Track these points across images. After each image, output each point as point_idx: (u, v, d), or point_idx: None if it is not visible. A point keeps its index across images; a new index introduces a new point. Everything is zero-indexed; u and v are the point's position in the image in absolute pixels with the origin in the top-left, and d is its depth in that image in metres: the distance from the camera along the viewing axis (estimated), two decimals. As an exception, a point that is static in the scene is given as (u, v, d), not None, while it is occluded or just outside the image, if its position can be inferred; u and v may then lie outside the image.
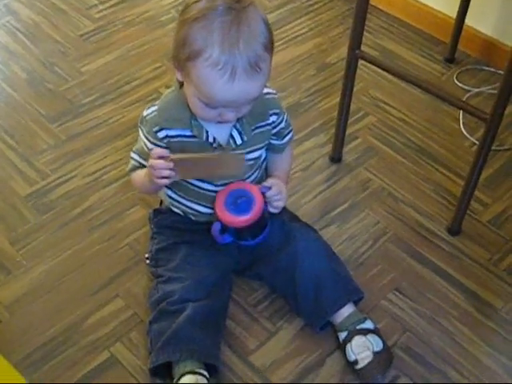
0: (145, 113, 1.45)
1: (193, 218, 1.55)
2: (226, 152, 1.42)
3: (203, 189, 1.49)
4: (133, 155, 1.51)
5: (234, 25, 1.23)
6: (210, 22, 1.24)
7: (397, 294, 1.62)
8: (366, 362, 1.43)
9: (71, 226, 1.74)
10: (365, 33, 1.71)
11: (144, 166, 1.46)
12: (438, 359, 1.51)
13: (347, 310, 1.49)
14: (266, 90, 1.47)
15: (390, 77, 2.12)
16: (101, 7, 2.44)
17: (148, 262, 1.60)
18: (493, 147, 1.68)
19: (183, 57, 1.28)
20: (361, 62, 1.74)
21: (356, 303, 1.53)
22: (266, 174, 1.60)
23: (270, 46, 1.30)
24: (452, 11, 2.19)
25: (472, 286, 1.65)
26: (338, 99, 1.84)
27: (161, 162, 1.34)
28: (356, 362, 1.44)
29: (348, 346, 1.46)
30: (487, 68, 2.23)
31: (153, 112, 1.43)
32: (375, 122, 2.04)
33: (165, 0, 2.48)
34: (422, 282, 1.65)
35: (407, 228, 1.76)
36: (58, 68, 2.19)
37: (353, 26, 1.66)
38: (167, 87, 1.42)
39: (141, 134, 1.46)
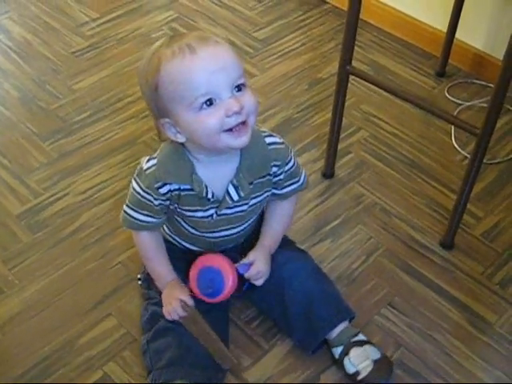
0: (144, 166, 1.38)
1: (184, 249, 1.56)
2: (225, 348, 1.44)
3: (197, 235, 1.48)
4: (128, 211, 1.43)
5: (176, 37, 1.28)
6: (154, 52, 1.28)
7: (390, 309, 1.62)
8: (367, 370, 1.42)
9: (64, 244, 1.74)
10: (356, 48, 1.71)
11: (146, 222, 1.43)
12: (432, 374, 1.51)
13: (340, 327, 1.48)
14: (269, 140, 1.41)
15: (381, 91, 2.12)
16: (93, 25, 2.45)
17: (140, 282, 1.60)
18: (485, 160, 1.68)
19: (152, 92, 1.27)
20: (352, 76, 1.75)
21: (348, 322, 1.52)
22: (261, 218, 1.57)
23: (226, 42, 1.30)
24: (443, 25, 2.20)
25: (465, 300, 1.65)
26: (330, 114, 1.84)
27: (180, 311, 1.43)
28: (357, 373, 1.43)
29: (346, 360, 1.45)
30: (478, 81, 2.24)
31: (152, 166, 1.37)
32: (367, 137, 2.05)
33: (156, 17, 2.49)
34: (415, 296, 1.65)
35: (400, 243, 1.76)
36: (49, 86, 2.19)
37: (343, 41, 1.66)
38: (162, 140, 1.40)
39: (137, 188, 1.39)
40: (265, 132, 1.42)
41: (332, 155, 1.89)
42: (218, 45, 1.25)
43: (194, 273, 1.45)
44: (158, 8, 2.53)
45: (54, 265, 1.69)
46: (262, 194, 1.45)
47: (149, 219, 1.42)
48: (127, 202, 1.43)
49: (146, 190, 1.37)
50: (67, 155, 1.97)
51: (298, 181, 1.51)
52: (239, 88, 1.26)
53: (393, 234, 1.78)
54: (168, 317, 1.44)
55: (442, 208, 1.85)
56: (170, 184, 1.36)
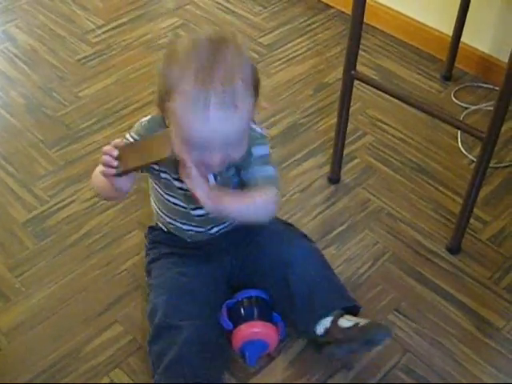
0: (142, 120, 1.43)
1: (187, 239, 1.55)
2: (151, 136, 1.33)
3: (182, 207, 1.48)
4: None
5: (211, 59, 1.22)
6: (187, 58, 1.24)
7: (397, 314, 1.61)
8: (366, 321, 1.41)
9: (70, 251, 1.74)
10: (361, 52, 1.71)
11: None
12: (440, 380, 1.50)
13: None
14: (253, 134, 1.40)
15: (387, 96, 2.11)
16: (98, 32, 2.45)
17: (146, 278, 1.59)
18: (491, 164, 1.68)
19: (162, 95, 1.28)
20: (358, 81, 1.74)
21: (354, 314, 1.50)
22: None
23: (251, 85, 1.27)
24: (448, 29, 2.20)
25: (473, 305, 1.64)
26: (335, 119, 1.83)
27: (108, 146, 1.31)
28: (357, 324, 1.41)
29: (341, 320, 1.43)
30: (484, 85, 2.23)
31: (146, 120, 1.42)
32: (373, 142, 2.04)
33: (162, 23, 2.49)
34: (422, 301, 1.64)
35: (407, 247, 1.76)
36: (55, 93, 2.19)
37: (348, 47, 1.66)
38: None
39: (127, 136, 1.42)
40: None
41: (338, 160, 1.89)
42: (233, 114, 1.23)
43: (237, 346, 1.49)
44: (163, 14, 2.54)
45: (60, 272, 1.69)
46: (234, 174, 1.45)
47: None
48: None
49: (133, 135, 1.41)
50: (73, 162, 1.97)
51: (266, 170, 1.43)
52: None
53: (399, 239, 1.78)
54: (105, 170, 1.31)
55: (448, 212, 1.84)
56: None
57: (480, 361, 1.54)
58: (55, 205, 1.85)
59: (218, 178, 1.39)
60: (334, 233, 1.79)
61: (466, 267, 1.72)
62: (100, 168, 1.34)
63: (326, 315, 1.45)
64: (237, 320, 1.49)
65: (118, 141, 1.33)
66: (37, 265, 1.71)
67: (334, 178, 1.92)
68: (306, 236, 1.61)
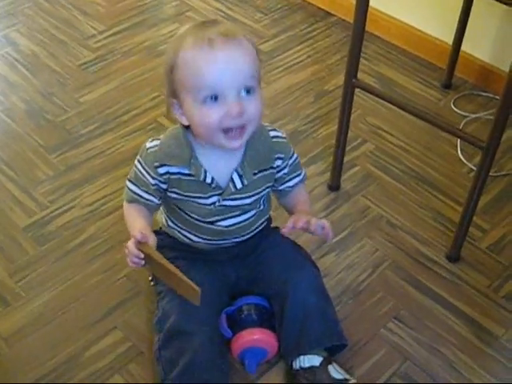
0: (148, 145, 1.44)
1: (194, 247, 1.55)
2: (184, 277, 1.30)
3: (202, 222, 1.48)
4: (129, 185, 1.47)
5: (208, 24, 1.33)
6: (186, 30, 1.34)
7: (396, 322, 1.62)
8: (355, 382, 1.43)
9: (70, 257, 1.74)
10: (362, 59, 1.71)
11: (141, 197, 1.45)
12: (439, 388, 1.51)
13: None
14: (273, 134, 1.48)
15: (387, 103, 2.12)
16: (99, 37, 2.46)
17: (152, 283, 1.59)
18: (491, 173, 1.68)
19: (168, 71, 1.33)
20: (358, 89, 1.75)
21: (339, 350, 1.51)
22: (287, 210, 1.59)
23: (253, 46, 1.35)
24: (448, 37, 2.20)
25: (472, 314, 1.64)
26: (336, 127, 1.84)
27: (134, 249, 1.33)
28: (346, 380, 1.42)
29: (331, 367, 1.43)
30: (484, 93, 2.24)
31: (155, 146, 1.42)
32: (373, 150, 2.05)
33: (163, 29, 2.49)
34: (421, 309, 1.65)
35: (406, 255, 1.76)
36: (56, 98, 2.20)
37: (349, 55, 1.67)
38: (169, 118, 1.43)
39: (138, 165, 1.44)
40: (268, 126, 1.47)
41: (338, 168, 1.89)
42: (238, 47, 1.30)
43: (236, 352, 1.50)
44: (164, 21, 2.54)
45: (60, 278, 1.69)
46: (264, 190, 1.48)
47: (144, 194, 1.46)
48: (128, 176, 1.48)
49: (145, 167, 1.43)
50: (74, 168, 1.97)
51: (299, 174, 1.56)
52: (248, 91, 1.31)
53: (399, 247, 1.78)
54: (129, 264, 1.36)
55: (448, 221, 1.85)
56: (170, 166, 1.40)
57: (479, 369, 1.54)
58: (55, 210, 1.85)
59: (245, 180, 1.42)
60: (334, 240, 1.79)
61: (465, 275, 1.72)
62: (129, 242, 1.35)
63: (312, 352, 1.45)
64: (236, 327, 1.49)
65: (143, 236, 1.33)
66: (37, 270, 1.71)
67: (333, 186, 1.92)
68: (311, 260, 1.60)
